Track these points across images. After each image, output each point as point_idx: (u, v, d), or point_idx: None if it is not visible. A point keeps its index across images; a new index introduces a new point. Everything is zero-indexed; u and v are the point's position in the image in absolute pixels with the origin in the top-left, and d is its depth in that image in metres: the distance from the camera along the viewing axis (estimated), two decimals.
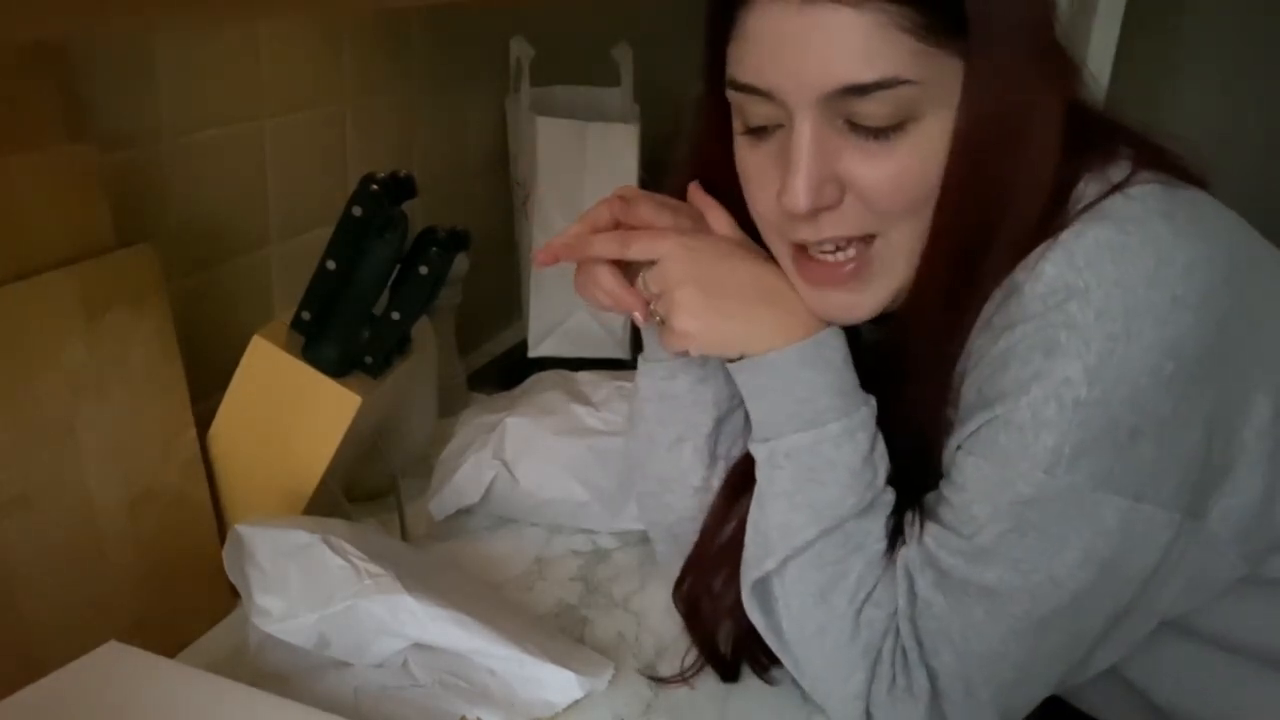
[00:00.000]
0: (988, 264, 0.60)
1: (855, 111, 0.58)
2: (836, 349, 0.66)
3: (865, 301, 0.64)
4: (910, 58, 0.56)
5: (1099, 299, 0.55)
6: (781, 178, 0.61)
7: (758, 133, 0.63)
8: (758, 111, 0.62)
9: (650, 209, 0.71)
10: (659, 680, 0.73)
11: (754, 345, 0.66)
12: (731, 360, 0.68)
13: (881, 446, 0.66)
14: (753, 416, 0.68)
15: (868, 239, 0.62)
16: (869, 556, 0.64)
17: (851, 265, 0.63)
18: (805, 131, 0.59)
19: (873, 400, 0.66)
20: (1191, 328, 0.55)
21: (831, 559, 0.64)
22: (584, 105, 1.23)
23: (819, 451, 0.64)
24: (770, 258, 0.68)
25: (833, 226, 0.62)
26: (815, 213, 0.61)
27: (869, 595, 0.63)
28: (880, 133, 0.58)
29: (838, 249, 0.63)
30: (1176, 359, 0.55)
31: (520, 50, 1.17)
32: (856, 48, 0.56)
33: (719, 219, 0.71)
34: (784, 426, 0.66)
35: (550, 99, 1.21)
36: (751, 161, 0.64)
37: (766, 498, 0.67)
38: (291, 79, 0.92)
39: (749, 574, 0.67)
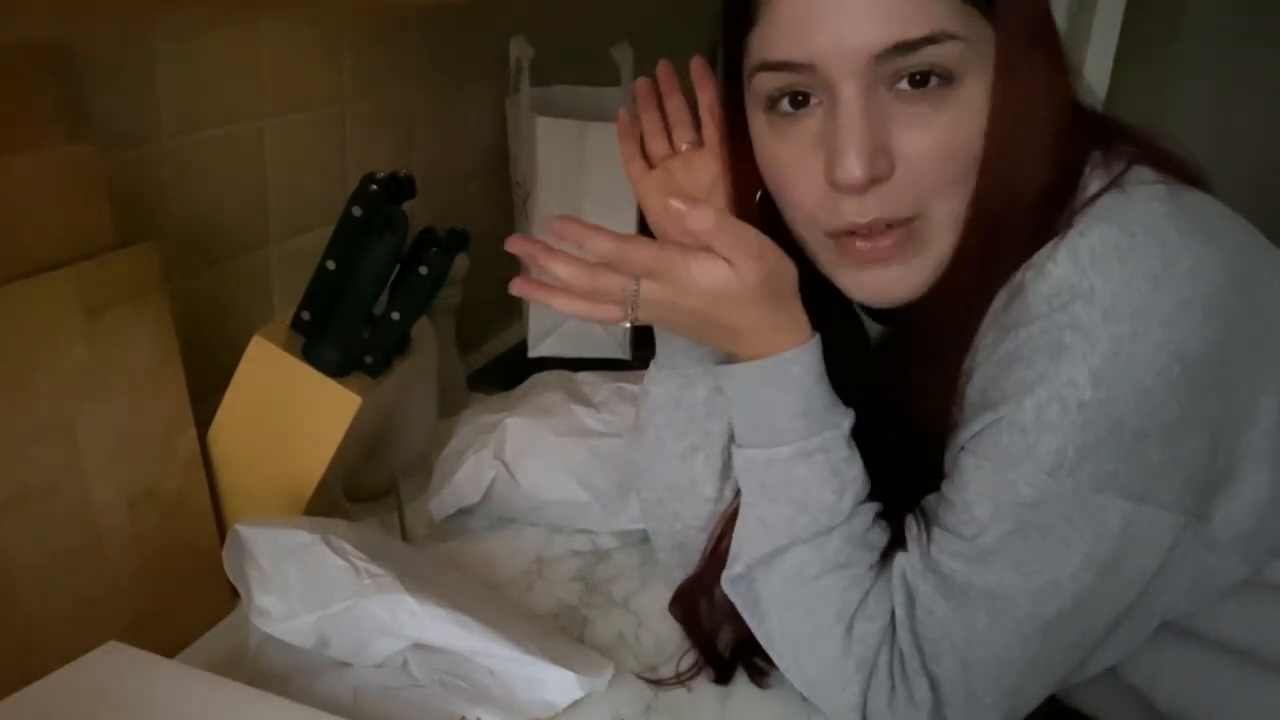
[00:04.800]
0: (1008, 243, 0.60)
1: (899, 73, 0.58)
2: (807, 367, 0.64)
3: (910, 277, 0.63)
4: (954, 14, 0.57)
5: (1105, 300, 0.55)
6: (827, 155, 0.59)
7: (788, 116, 0.61)
8: (785, 84, 0.60)
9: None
10: (656, 683, 0.73)
11: (735, 352, 0.67)
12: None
13: (853, 470, 0.65)
14: (731, 421, 0.70)
15: (909, 220, 0.61)
16: (853, 573, 0.64)
17: (894, 239, 0.62)
18: (853, 98, 0.58)
19: (845, 422, 0.65)
20: (1198, 329, 0.55)
21: (810, 575, 0.64)
22: (584, 105, 1.23)
23: (771, 469, 0.65)
24: (754, 294, 0.63)
25: (879, 206, 0.60)
26: (868, 185, 0.59)
27: (858, 609, 0.63)
28: (924, 97, 0.58)
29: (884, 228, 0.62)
30: (1183, 361, 0.55)
31: (520, 50, 1.17)
32: (903, 5, 0.56)
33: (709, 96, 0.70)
34: (748, 438, 0.67)
35: (550, 99, 1.21)
36: (783, 151, 0.63)
37: (743, 503, 0.68)
38: (291, 79, 0.92)
39: (726, 571, 0.68)
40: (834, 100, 0.59)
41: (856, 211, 0.61)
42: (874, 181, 0.59)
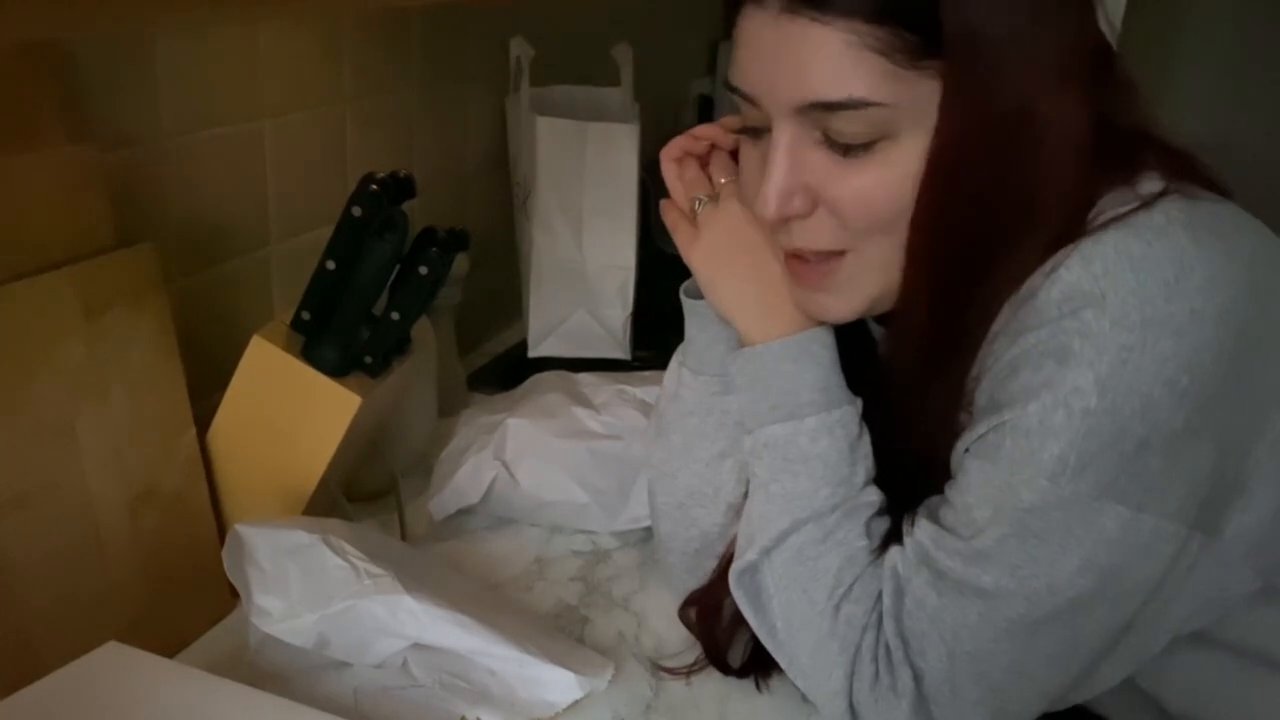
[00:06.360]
0: (995, 277, 0.60)
1: (829, 126, 0.59)
2: (824, 347, 0.67)
3: (840, 305, 0.66)
4: (880, 80, 0.56)
5: (1116, 308, 0.54)
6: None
7: (752, 132, 0.64)
8: (749, 114, 0.63)
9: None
10: (662, 670, 0.73)
11: (742, 323, 0.69)
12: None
13: (865, 448, 0.66)
14: (741, 407, 0.70)
15: (839, 254, 0.63)
16: (849, 553, 0.64)
17: (820, 269, 0.65)
18: (781, 141, 0.60)
19: (858, 401, 0.67)
20: (1209, 342, 0.55)
21: (811, 554, 0.65)
22: (584, 105, 1.23)
23: (795, 443, 0.66)
24: None
25: (803, 237, 0.63)
26: (785, 221, 0.62)
27: (848, 591, 0.64)
28: (851, 149, 0.59)
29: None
30: (1191, 373, 0.54)
31: (520, 50, 1.17)
32: (825, 65, 0.57)
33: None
34: (765, 417, 0.67)
35: (550, 99, 1.21)
36: (746, 160, 0.66)
37: (752, 489, 0.69)
38: (291, 79, 0.92)
39: (734, 565, 0.68)
40: (772, 134, 0.61)
41: (784, 238, 0.64)
42: (792, 218, 0.62)
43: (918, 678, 0.61)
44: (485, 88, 1.24)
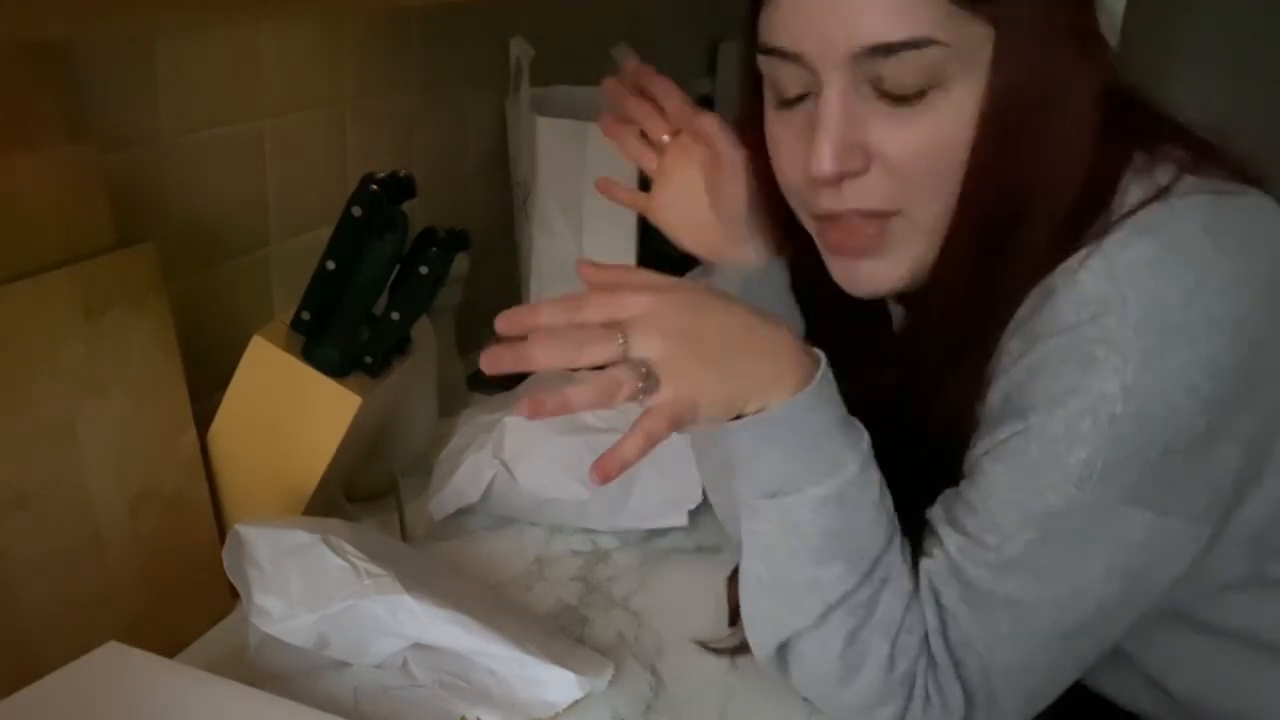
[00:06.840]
0: (1019, 253, 0.59)
1: (882, 75, 0.58)
2: (830, 380, 0.61)
3: (888, 270, 0.64)
4: (940, 18, 0.56)
5: (1136, 314, 0.54)
6: (808, 145, 0.61)
7: (788, 104, 0.63)
8: (788, 79, 0.62)
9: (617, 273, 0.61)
10: (708, 649, 0.75)
11: (754, 401, 0.59)
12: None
13: (875, 467, 0.62)
14: (754, 472, 0.61)
15: (888, 215, 0.62)
16: (897, 588, 0.61)
17: (868, 231, 0.63)
18: (833, 95, 0.59)
19: (862, 425, 0.62)
20: (1228, 348, 0.55)
21: (862, 601, 0.61)
22: (584, 105, 1.23)
23: (845, 497, 0.60)
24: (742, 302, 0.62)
25: (856, 197, 0.62)
26: (839, 179, 0.61)
27: (901, 624, 0.61)
28: (907, 99, 0.58)
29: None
30: (1212, 378, 0.55)
31: (520, 50, 1.17)
32: (884, 5, 0.56)
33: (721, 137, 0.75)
34: (801, 479, 0.59)
35: (550, 99, 1.21)
36: (780, 134, 0.65)
37: (778, 554, 0.62)
38: (291, 79, 0.92)
39: (770, 633, 0.64)
40: (819, 93, 0.60)
41: (832, 200, 0.62)
42: (846, 176, 0.61)
43: (965, 690, 0.61)
44: (485, 88, 1.24)
